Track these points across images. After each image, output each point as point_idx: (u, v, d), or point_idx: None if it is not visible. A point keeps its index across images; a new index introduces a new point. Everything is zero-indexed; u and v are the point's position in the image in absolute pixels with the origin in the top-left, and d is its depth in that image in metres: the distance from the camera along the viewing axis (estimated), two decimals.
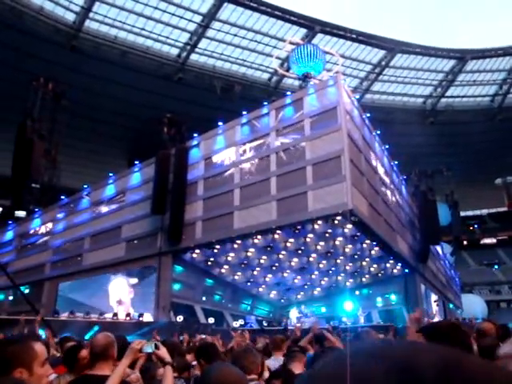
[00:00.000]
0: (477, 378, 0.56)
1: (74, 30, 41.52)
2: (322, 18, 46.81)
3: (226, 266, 28.68)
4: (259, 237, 25.38)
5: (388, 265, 30.71)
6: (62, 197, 32.52)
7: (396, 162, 32.29)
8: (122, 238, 27.99)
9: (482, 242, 67.07)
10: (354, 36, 47.40)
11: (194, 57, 47.20)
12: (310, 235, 26.14)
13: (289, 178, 23.56)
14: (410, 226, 32.73)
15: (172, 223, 25.61)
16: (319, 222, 23.91)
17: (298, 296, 34.00)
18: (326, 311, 32.72)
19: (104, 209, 30.05)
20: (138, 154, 31.87)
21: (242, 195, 24.95)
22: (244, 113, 27.15)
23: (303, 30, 46.55)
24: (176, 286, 27.25)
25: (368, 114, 28.20)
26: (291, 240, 26.67)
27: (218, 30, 45.09)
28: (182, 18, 43.41)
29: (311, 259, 29.36)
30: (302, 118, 24.49)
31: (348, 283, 32.26)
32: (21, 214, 36.01)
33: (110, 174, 31.07)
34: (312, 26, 46.16)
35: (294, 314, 29.40)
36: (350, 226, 23.65)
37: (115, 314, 24.64)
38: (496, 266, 62.09)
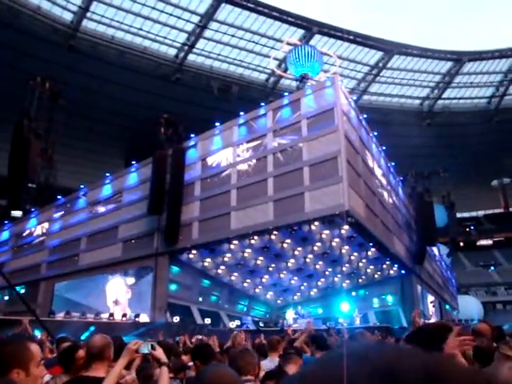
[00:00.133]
0: (457, 383, 0.58)
1: (72, 30, 41.48)
2: (319, 19, 46.98)
3: (222, 267, 28.67)
4: (256, 237, 25.38)
5: (384, 266, 30.75)
6: (59, 196, 32.46)
7: (393, 164, 32.36)
8: (119, 238, 27.94)
9: (478, 243, 67.15)
10: (351, 37, 47.49)
11: (191, 57, 47.20)
12: (307, 236, 26.14)
13: (286, 179, 23.57)
14: (407, 227, 32.78)
15: (169, 224, 25.58)
16: (316, 222, 23.93)
17: (295, 297, 34.01)
18: (323, 312, 32.72)
19: (101, 209, 30.00)
20: (135, 154, 31.83)
21: (239, 196, 24.95)
22: (241, 113, 27.16)
23: (301, 31, 46.61)
24: (172, 287, 27.23)
25: (365, 116, 28.25)
26: (288, 241, 26.68)
27: (216, 31, 45.11)
28: (179, 18, 43.41)
29: (308, 260, 29.38)
30: (299, 118, 24.52)
31: (344, 284, 32.29)
32: (17, 213, 35.88)
33: (107, 174, 31.03)
34: (309, 27, 46.21)
35: (290, 314, 29.41)
36: (346, 227, 23.67)
37: (111, 315, 24.59)
38: (492, 268, 62.20)
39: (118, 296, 27.12)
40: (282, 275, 30.93)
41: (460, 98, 56.59)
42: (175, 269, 27.46)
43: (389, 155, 31.62)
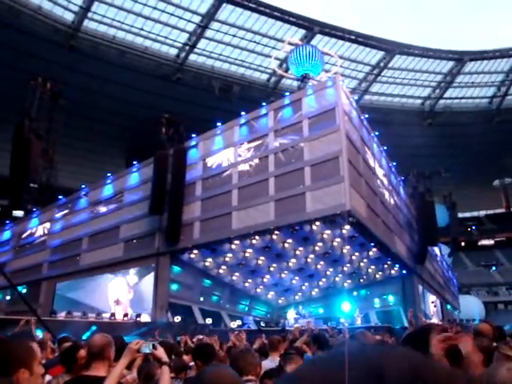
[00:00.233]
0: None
1: (73, 30, 41.49)
2: (320, 19, 46.88)
3: (223, 267, 28.68)
4: (257, 237, 25.39)
5: (386, 266, 30.75)
6: (60, 196, 32.52)
7: (394, 163, 32.35)
8: (120, 238, 27.97)
9: (479, 243, 67.10)
10: (352, 37, 47.46)
11: (192, 57, 47.19)
12: (308, 236, 26.14)
13: (287, 179, 23.57)
14: (408, 227, 32.76)
15: (170, 223, 25.59)
16: (317, 222, 23.93)
17: (296, 297, 34.03)
18: (324, 312, 32.73)
19: (102, 209, 30.03)
20: (136, 154, 31.84)
21: (240, 196, 24.96)
22: (242, 113, 27.16)
23: (302, 31, 46.58)
24: (174, 287, 27.25)
25: (366, 115, 28.24)
26: (289, 241, 26.69)
27: (217, 31, 45.10)
28: (180, 18, 43.40)
29: (309, 260, 29.39)
30: (301, 118, 24.51)
31: (346, 284, 32.29)
32: (18, 213, 35.94)
33: (108, 174, 31.07)
34: (311, 27, 46.18)
35: (291, 314, 29.41)
36: (347, 226, 23.67)
37: (113, 314, 24.61)
38: (494, 268, 62.16)
39: (119, 296, 27.14)
40: (283, 275, 30.94)
41: (461, 98, 56.53)
42: (176, 269, 27.47)
43: (390, 155, 31.61)
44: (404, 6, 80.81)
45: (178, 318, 24.54)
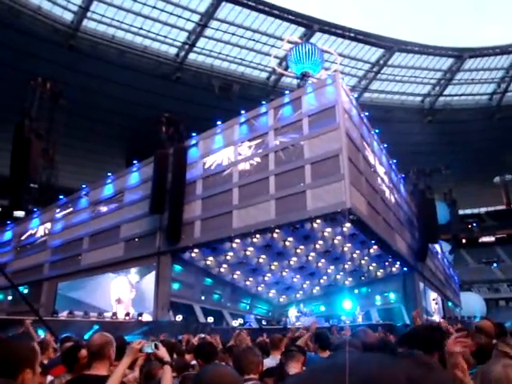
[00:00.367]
0: None
1: (72, 30, 41.49)
2: (320, 16, 46.86)
3: (224, 265, 28.69)
4: (258, 236, 25.39)
5: (387, 263, 30.75)
6: (61, 196, 32.53)
7: (394, 161, 32.34)
8: (121, 238, 27.99)
9: (480, 240, 67.12)
10: (352, 35, 47.42)
11: (192, 56, 47.18)
12: (309, 234, 26.14)
13: (287, 177, 23.58)
14: (409, 225, 32.76)
15: (171, 223, 25.61)
16: (318, 220, 23.92)
17: (297, 295, 34.03)
18: (325, 310, 32.76)
19: (103, 208, 30.06)
20: (136, 154, 31.84)
21: (241, 194, 24.96)
22: (242, 112, 27.16)
23: (301, 29, 46.55)
24: (175, 286, 27.28)
25: (366, 113, 28.26)
26: (290, 239, 26.68)
27: (216, 29, 45.07)
28: (180, 17, 43.38)
29: (310, 258, 29.40)
30: (301, 116, 24.51)
31: (347, 282, 32.28)
32: (19, 213, 36.00)
33: (109, 174, 31.08)
34: (310, 25, 46.14)
35: (292, 312, 29.41)
36: (348, 224, 23.66)
37: (114, 314, 24.63)
38: (495, 264, 62.18)
39: (120, 295, 27.16)
40: (284, 273, 30.96)
41: (461, 95, 56.48)
42: (177, 267, 27.50)
43: (390, 152, 31.60)
44: (404, 4, 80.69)
45: (179, 317, 24.59)
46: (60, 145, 34.89)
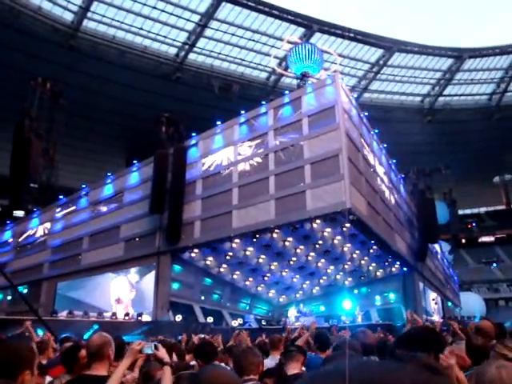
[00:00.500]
0: None
1: (72, 30, 41.48)
2: (319, 16, 46.87)
3: (224, 265, 28.70)
4: (258, 236, 25.38)
5: (386, 263, 30.75)
6: (61, 196, 32.52)
7: (394, 161, 32.34)
8: (121, 238, 27.99)
9: (480, 240, 67.12)
10: (351, 35, 47.42)
11: (192, 56, 47.18)
12: (309, 234, 26.14)
13: (287, 177, 23.59)
14: (409, 225, 32.77)
15: (170, 222, 25.61)
16: (317, 220, 23.93)
17: (297, 295, 34.04)
18: (325, 310, 32.77)
19: (102, 208, 30.06)
20: (136, 153, 31.84)
21: (241, 194, 24.97)
22: (242, 112, 27.16)
23: (301, 29, 46.54)
24: (175, 286, 27.28)
25: (366, 113, 28.26)
26: (290, 239, 26.69)
27: (216, 30, 45.06)
28: (180, 17, 43.36)
29: (310, 258, 29.40)
30: (300, 117, 24.51)
31: (347, 282, 32.30)
32: (19, 213, 35.98)
33: (109, 174, 31.07)
34: (310, 25, 46.14)
35: (292, 312, 29.42)
36: (348, 224, 23.68)
37: (114, 314, 24.63)
38: (494, 264, 62.18)
39: (120, 295, 27.16)
40: (283, 273, 30.96)
41: (461, 95, 56.48)
42: (177, 267, 27.50)
43: (390, 152, 31.61)
44: (403, 4, 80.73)
45: (179, 317, 24.58)
46: (60, 145, 34.91)
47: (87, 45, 42.53)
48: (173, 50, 46.52)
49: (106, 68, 42.45)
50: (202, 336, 11.03)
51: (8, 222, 35.02)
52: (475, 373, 1.99)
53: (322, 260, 29.88)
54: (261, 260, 28.63)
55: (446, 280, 43.23)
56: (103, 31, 43.18)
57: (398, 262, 30.24)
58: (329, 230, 25.80)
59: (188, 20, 43.88)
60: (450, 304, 43.20)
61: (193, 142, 28.14)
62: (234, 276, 30.10)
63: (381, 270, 31.77)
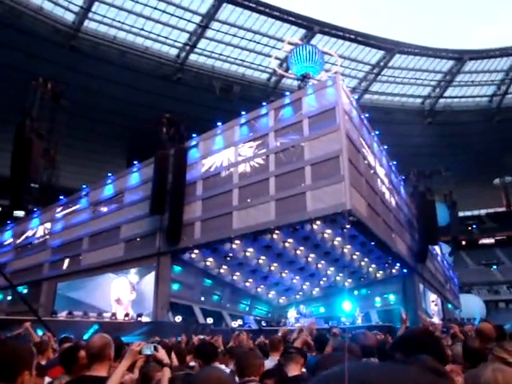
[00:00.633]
0: None
1: (73, 30, 41.50)
2: (320, 18, 46.87)
3: (224, 266, 28.69)
4: (258, 237, 25.37)
5: (386, 265, 30.74)
6: (61, 197, 32.52)
7: (394, 163, 32.34)
8: (121, 238, 27.98)
9: (480, 242, 67.10)
10: (352, 36, 47.47)
11: (193, 57, 47.20)
12: (309, 235, 26.13)
13: (287, 178, 23.58)
14: (409, 226, 32.76)
15: (171, 223, 25.60)
16: (318, 222, 23.93)
17: (297, 296, 34.02)
18: (325, 311, 32.75)
19: (103, 209, 30.06)
20: (137, 154, 31.86)
21: (241, 195, 24.97)
22: (243, 113, 27.17)
23: (302, 31, 46.56)
24: (175, 286, 27.27)
25: (367, 115, 28.25)
26: (290, 240, 26.68)
27: (217, 31, 45.09)
28: (181, 18, 43.39)
29: (310, 259, 29.39)
30: (301, 118, 24.52)
31: (347, 283, 32.28)
32: (19, 213, 35.99)
33: (109, 174, 31.06)
34: (311, 27, 46.16)
35: (292, 314, 29.41)
36: (348, 226, 23.66)
37: (114, 314, 24.62)
38: (494, 266, 62.14)
39: (120, 295, 27.14)
40: (283, 274, 30.95)
41: (461, 97, 56.49)
42: (177, 268, 27.48)
43: (390, 154, 31.60)
44: (404, 6, 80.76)
45: (178, 318, 24.57)
46: (61, 145, 34.90)
47: (88, 45, 42.56)
48: (174, 51, 46.56)
49: (107, 68, 42.47)
50: (202, 337, 11.02)
51: (8, 222, 35.04)
52: (471, 376, 1.96)
53: (322, 261, 29.88)
54: (261, 261, 28.63)
55: (446, 282, 43.22)
56: (104, 32, 43.20)
57: (398, 264, 30.23)
58: (329, 231, 25.80)
59: (189, 21, 43.91)
60: (449, 306, 43.19)
61: (193, 142, 28.15)
62: (234, 277, 30.09)
63: (381, 272, 31.75)
